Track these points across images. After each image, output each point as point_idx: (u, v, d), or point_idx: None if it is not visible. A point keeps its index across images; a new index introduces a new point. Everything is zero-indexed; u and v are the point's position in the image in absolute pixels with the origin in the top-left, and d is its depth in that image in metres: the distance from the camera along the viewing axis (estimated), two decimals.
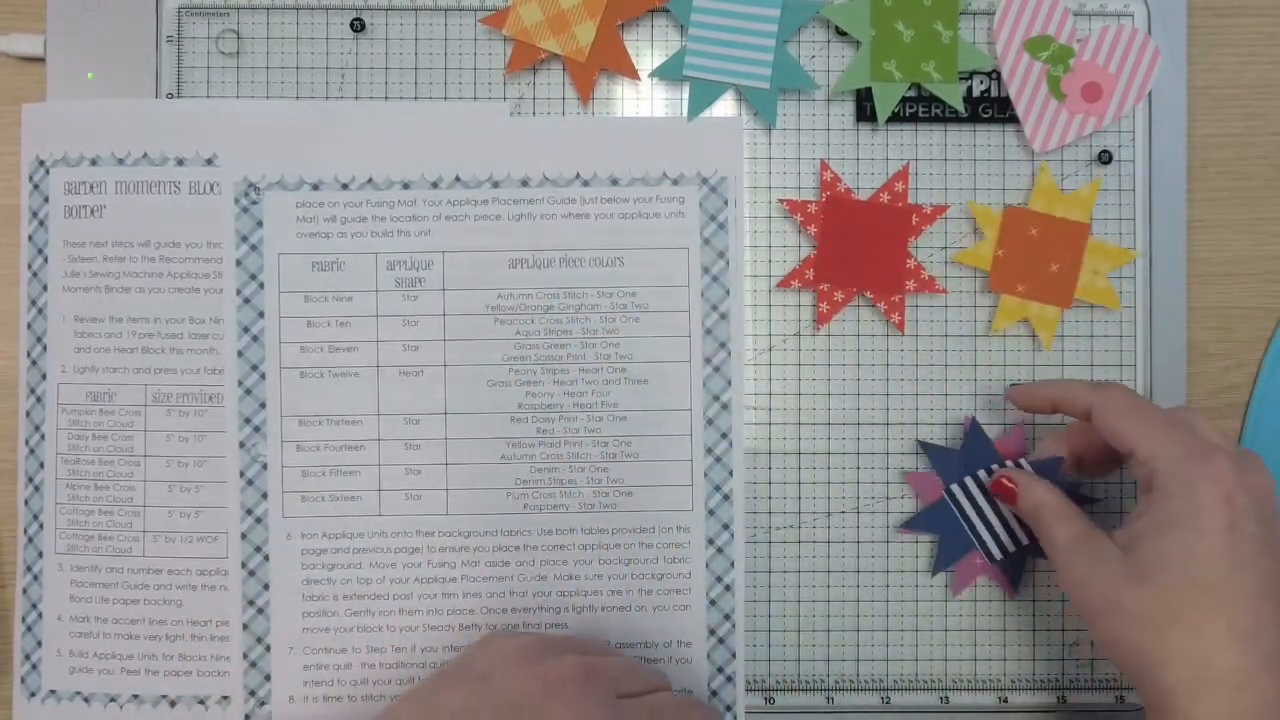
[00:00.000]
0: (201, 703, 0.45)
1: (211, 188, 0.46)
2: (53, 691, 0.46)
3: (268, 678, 0.45)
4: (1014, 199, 0.47)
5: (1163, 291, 0.47)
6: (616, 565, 0.46)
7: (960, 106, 0.46)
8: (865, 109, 0.47)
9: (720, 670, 0.46)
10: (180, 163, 0.46)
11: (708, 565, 0.46)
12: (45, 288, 0.46)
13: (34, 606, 0.46)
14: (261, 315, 0.46)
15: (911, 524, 0.46)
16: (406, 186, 0.46)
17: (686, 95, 0.46)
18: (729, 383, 0.46)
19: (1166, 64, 0.46)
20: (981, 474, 0.45)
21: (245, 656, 0.45)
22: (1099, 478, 0.46)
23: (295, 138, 0.46)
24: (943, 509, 0.46)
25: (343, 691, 0.46)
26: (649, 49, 0.47)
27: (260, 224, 0.46)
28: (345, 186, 0.46)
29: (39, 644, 0.46)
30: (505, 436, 0.46)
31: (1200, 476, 0.37)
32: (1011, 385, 0.46)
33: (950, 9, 0.46)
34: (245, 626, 0.45)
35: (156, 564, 0.46)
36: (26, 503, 0.46)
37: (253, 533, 0.46)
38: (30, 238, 0.46)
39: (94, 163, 0.46)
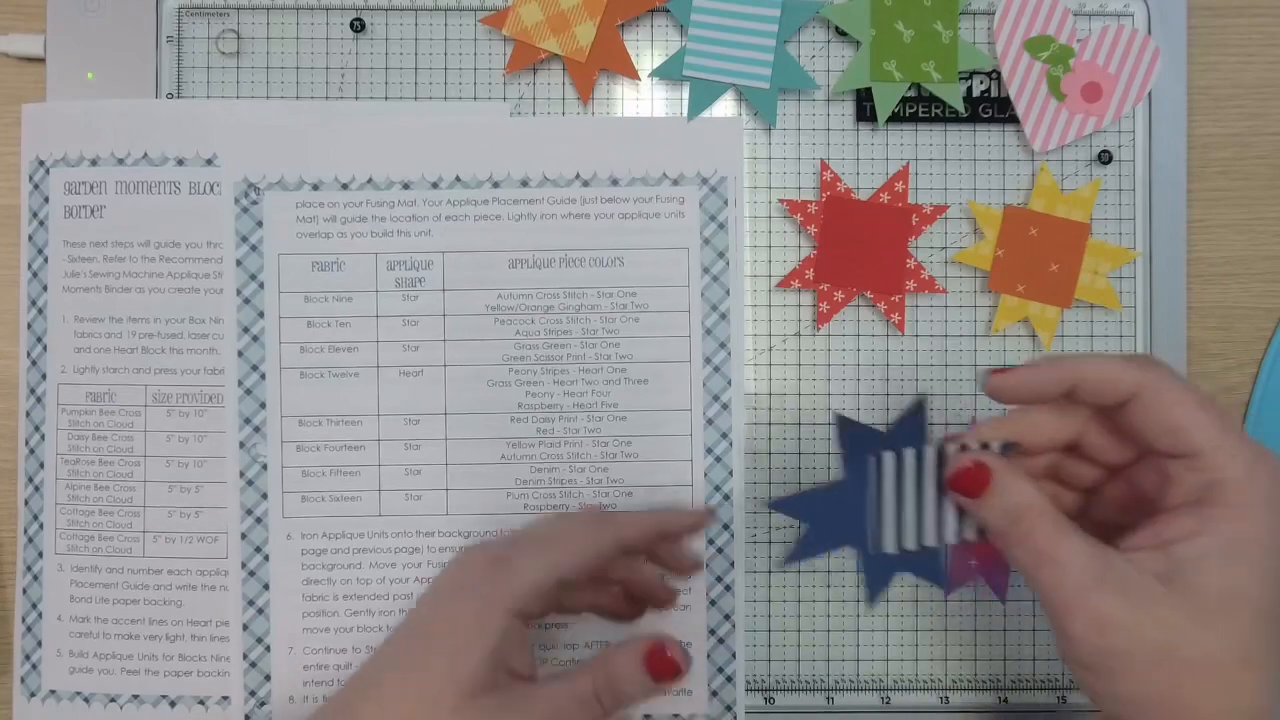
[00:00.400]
0: (201, 703, 0.45)
1: (211, 188, 0.46)
2: (53, 691, 0.46)
3: (268, 678, 0.45)
4: (1014, 199, 0.47)
5: (1163, 291, 0.47)
6: None
7: (960, 106, 0.46)
8: (865, 109, 0.47)
9: (720, 670, 0.46)
10: (180, 163, 0.46)
11: (708, 565, 0.46)
12: (45, 288, 0.46)
13: (34, 606, 0.46)
14: (261, 315, 0.46)
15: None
16: (406, 186, 0.46)
17: (686, 95, 0.46)
18: (729, 383, 0.46)
19: (1166, 64, 0.46)
20: (910, 453, 0.36)
21: (245, 656, 0.45)
22: (1075, 487, 0.37)
23: (295, 138, 0.46)
24: (826, 493, 0.37)
25: None
26: (649, 49, 0.47)
27: (260, 224, 0.46)
28: (345, 186, 0.46)
29: (39, 644, 0.46)
30: (505, 437, 0.46)
31: (1276, 490, 0.31)
32: (989, 370, 0.35)
33: (950, 9, 0.46)
34: (245, 626, 0.45)
35: (156, 564, 0.46)
36: (26, 503, 0.46)
37: (253, 533, 0.46)
38: (30, 238, 0.46)
39: (94, 163, 0.46)
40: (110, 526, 0.46)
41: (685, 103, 0.46)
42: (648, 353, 0.46)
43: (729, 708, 0.46)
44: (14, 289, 0.47)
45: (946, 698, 0.47)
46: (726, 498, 0.46)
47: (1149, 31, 0.47)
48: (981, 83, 0.47)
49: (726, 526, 0.46)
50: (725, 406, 0.46)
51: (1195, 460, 0.31)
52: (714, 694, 0.46)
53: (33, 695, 0.46)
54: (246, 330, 0.46)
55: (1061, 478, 0.36)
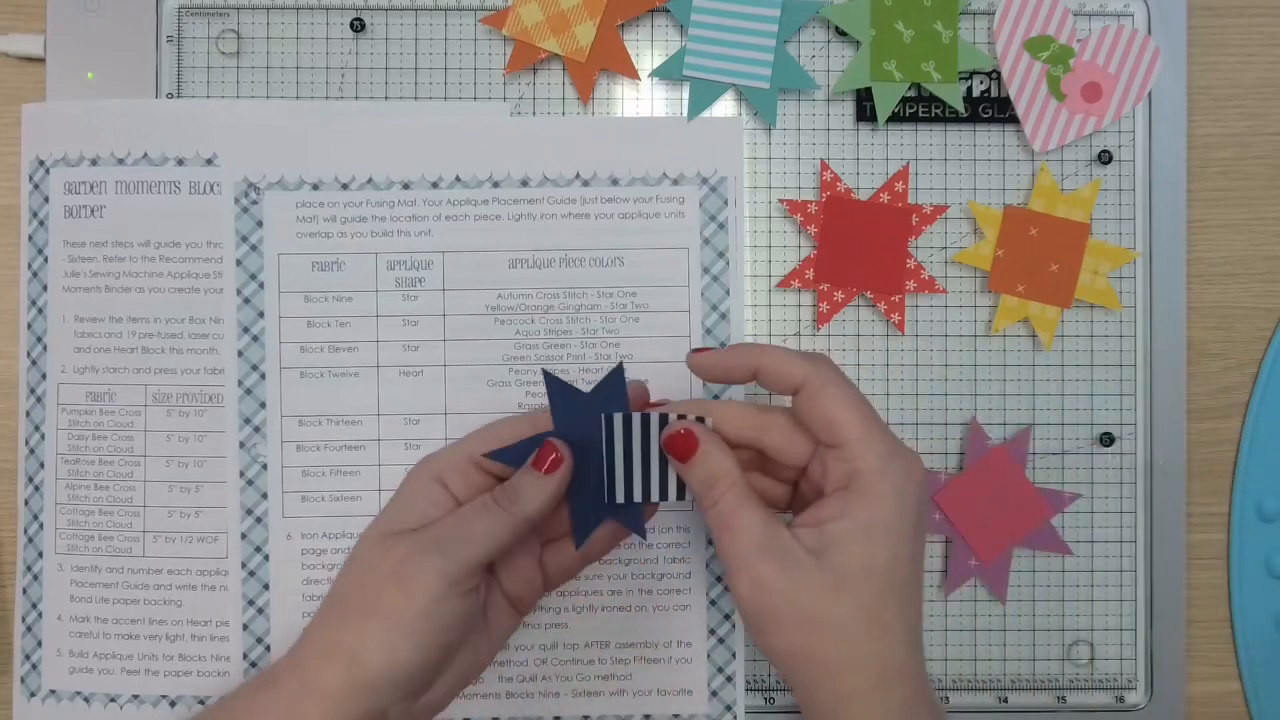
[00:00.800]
0: (202, 703, 0.45)
1: (211, 188, 0.46)
2: (53, 691, 0.46)
3: None
4: (1014, 199, 0.47)
5: (1163, 291, 0.47)
6: (616, 565, 0.46)
7: (960, 106, 0.46)
8: (865, 109, 0.47)
9: (720, 670, 0.46)
10: (180, 163, 0.46)
11: (708, 565, 0.46)
12: (45, 288, 0.46)
13: (34, 606, 0.46)
14: (261, 315, 0.46)
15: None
16: (406, 186, 0.46)
17: (686, 95, 0.46)
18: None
19: (1166, 64, 0.46)
20: (638, 417, 0.38)
21: (245, 656, 0.45)
22: (781, 479, 0.40)
23: (295, 138, 0.46)
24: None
25: None
26: (649, 49, 0.47)
27: (260, 224, 0.46)
28: (345, 186, 0.46)
29: (39, 644, 0.46)
30: None
31: (906, 481, 0.35)
32: (692, 350, 0.39)
33: (950, 9, 0.46)
34: (245, 626, 0.45)
35: (156, 564, 0.46)
36: (26, 503, 0.46)
37: (253, 533, 0.46)
38: (30, 238, 0.46)
39: (94, 163, 0.46)
40: (110, 526, 0.46)
41: (685, 103, 0.46)
42: (648, 353, 0.46)
43: (729, 708, 0.46)
44: (14, 289, 0.47)
45: (946, 698, 0.47)
46: None
47: (1149, 31, 0.47)
48: (981, 83, 0.47)
49: None
50: None
51: (842, 451, 0.36)
52: (714, 694, 0.46)
53: (33, 695, 0.46)
54: (246, 330, 0.46)
55: (768, 471, 0.39)
